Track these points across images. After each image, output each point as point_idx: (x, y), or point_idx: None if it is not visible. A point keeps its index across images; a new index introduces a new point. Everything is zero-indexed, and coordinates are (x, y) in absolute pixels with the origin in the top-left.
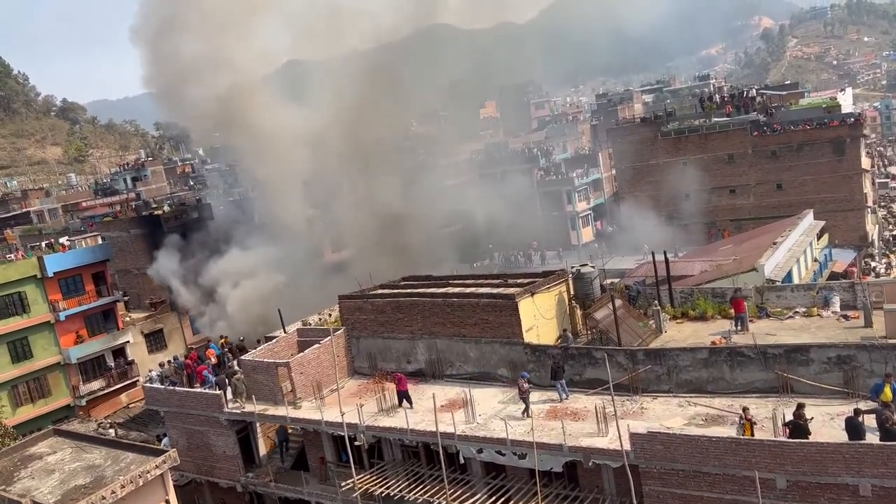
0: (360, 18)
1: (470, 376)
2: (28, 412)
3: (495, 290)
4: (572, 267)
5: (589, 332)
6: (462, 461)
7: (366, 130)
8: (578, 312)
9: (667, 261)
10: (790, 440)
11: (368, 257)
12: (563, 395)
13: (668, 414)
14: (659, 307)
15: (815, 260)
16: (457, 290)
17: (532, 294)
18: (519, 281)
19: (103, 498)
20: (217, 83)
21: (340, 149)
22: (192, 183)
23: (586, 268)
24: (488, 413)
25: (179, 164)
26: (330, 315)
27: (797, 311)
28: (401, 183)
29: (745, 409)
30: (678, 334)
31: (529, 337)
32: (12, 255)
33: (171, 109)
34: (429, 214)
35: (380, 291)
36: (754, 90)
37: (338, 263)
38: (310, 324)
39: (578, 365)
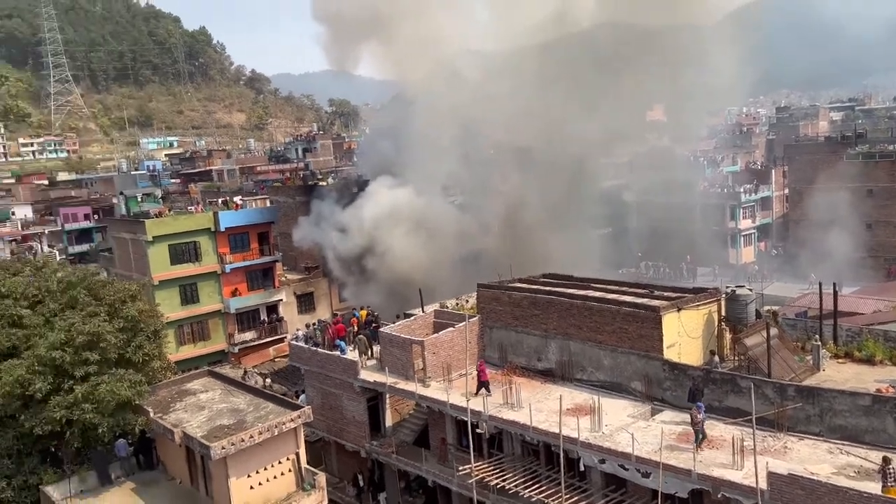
0: (537, 11)
1: (601, 384)
2: (189, 351)
3: (639, 300)
4: (727, 287)
5: (737, 358)
6: (582, 468)
7: (526, 123)
8: (727, 336)
9: (835, 293)
10: None
11: (511, 249)
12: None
13: (814, 458)
14: (819, 342)
15: None
16: (598, 294)
17: (679, 309)
18: (666, 294)
19: (242, 440)
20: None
21: (499, 138)
22: (355, 159)
23: (742, 290)
24: (615, 424)
25: (346, 140)
26: (467, 301)
27: None
28: (554, 179)
29: (885, 460)
30: (837, 375)
31: (670, 354)
32: (193, 208)
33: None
34: (579, 214)
35: (518, 285)
36: None
37: (479, 252)
38: (447, 307)
39: (720, 391)
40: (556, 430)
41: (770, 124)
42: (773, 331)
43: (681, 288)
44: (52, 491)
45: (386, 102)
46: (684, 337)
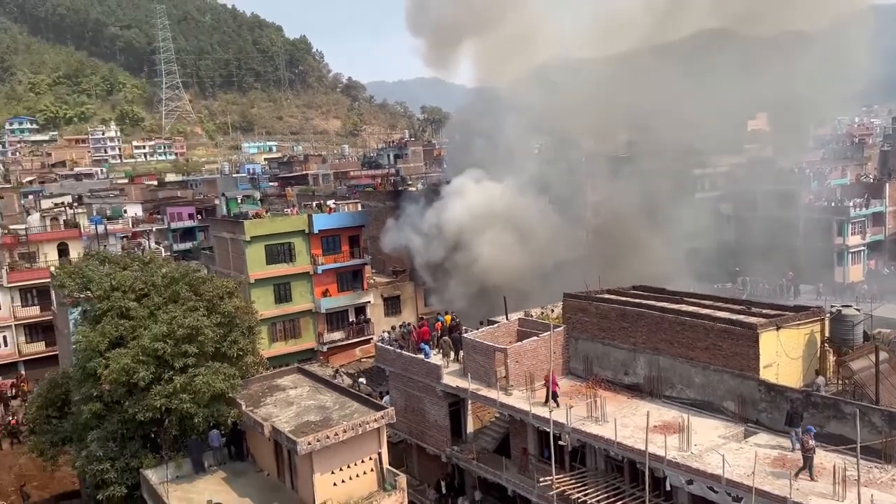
0: (629, 19)
1: (691, 402)
2: (280, 348)
3: (734, 317)
4: (832, 306)
5: (840, 382)
6: (668, 488)
7: (618, 132)
8: (830, 358)
9: None
10: None
11: (599, 259)
12: (797, 445)
13: None
14: None
15: None
16: (691, 308)
17: (778, 328)
18: (764, 311)
19: (328, 437)
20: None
21: (591, 147)
22: (445, 166)
23: (849, 310)
24: (705, 445)
25: (437, 147)
26: (552, 311)
27: None
28: (648, 189)
29: None
30: None
31: (767, 374)
32: (288, 210)
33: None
34: (671, 225)
35: (606, 296)
36: None
37: (566, 261)
38: (531, 316)
39: (821, 416)
40: (642, 447)
41: (885, 135)
42: (883, 355)
43: (780, 305)
44: (150, 475)
45: (470, 105)
46: (783, 357)
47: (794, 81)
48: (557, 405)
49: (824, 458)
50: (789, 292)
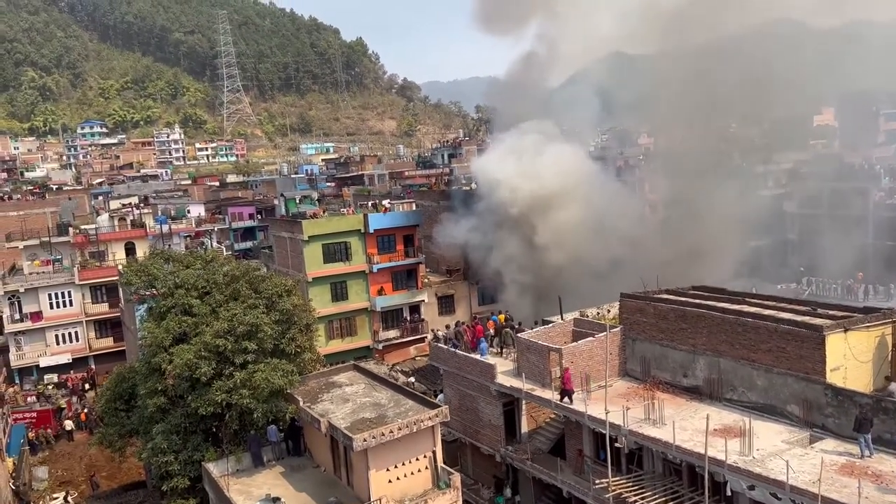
0: (693, 11)
1: (752, 405)
2: (336, 346)
3: (799, 318)
4: None
5: None
6: (729, 493)
7: (676, 128)
8: None
9: None
10: None
11: (656, 258)
12: (866, 452)
13: None
14: None
15: None
16: (753, 309)
17: (846, 330)
18: (831, 312)
19: (383, 434)
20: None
21: (649, 144)
22: None
23: None
24: (768, 450)
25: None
26: (609, 311)
27: None
28: (705, 187)
29: None
30: None
31: (834, 378)
32: (345, 210)
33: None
34: (733, 224)
35: (665, 296)
36: None
37: (622, 259)
38: (587, 316)
39: (893, 422)
40: (702, 451)
41: None
42: None
43: (848, 307)
44: (212, 467)
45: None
46: (851, 360)
47: (864, 73)
48: (571, 402)
49: None
50: (859, 293)
